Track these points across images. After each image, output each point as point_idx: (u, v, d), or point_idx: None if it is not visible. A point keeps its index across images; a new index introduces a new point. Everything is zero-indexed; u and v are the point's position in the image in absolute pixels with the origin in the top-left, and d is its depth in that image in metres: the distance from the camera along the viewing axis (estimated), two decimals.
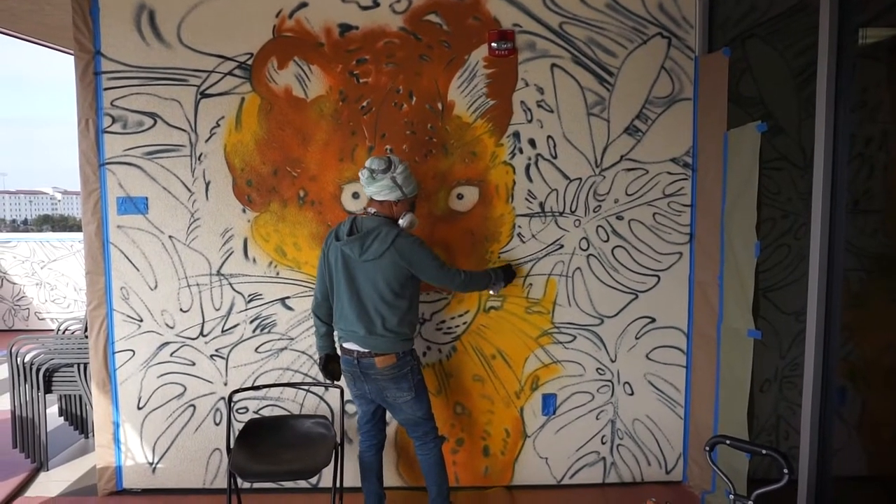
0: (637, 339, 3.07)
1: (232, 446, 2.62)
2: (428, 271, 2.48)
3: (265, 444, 2.65)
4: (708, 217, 2.87)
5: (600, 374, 3.08)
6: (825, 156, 2.20)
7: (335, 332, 2.62)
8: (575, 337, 3.05)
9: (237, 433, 2.70)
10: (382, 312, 2.44)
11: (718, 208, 2.76)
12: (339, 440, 2.68)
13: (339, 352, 2.61)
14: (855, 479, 2.45)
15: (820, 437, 2.30)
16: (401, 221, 2.51)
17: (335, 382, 2.70)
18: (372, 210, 2.52)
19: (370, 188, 2.47)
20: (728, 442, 1.83)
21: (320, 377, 3.00)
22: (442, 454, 2.64)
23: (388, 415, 2.79)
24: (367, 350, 2.46)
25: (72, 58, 2.93)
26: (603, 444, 3.12)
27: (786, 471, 1.65)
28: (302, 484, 3.04)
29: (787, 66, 2.74)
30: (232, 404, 2.81)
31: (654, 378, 3.09)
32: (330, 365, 2.65)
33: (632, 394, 3.09)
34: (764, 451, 1.73)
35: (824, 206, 2.22)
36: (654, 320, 3.06)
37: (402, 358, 2.49)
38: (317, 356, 2.98)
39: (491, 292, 2.91)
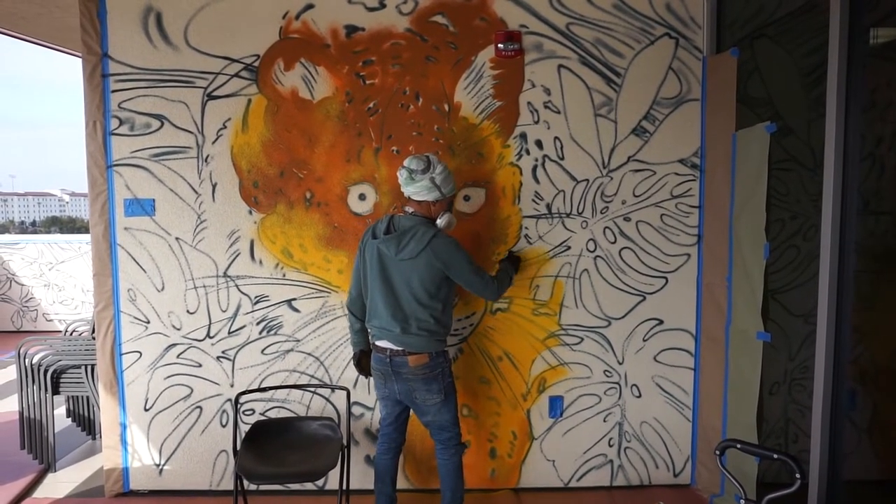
0: (644, 341, 3.05)
1: (238, 448, 2.62)
2: (462, 274, 2.47)
3: (272, 446, 2.65)
4: (716, 218, 2.86)
5: (607, 376, 3.06)
6: (836, 157, 2.18)
7: (368, 330, 2.62)
8: (582, 339, 3.04)
9: (244, 435, 2.70)
10: (416, 312, 2.44)
11: (727, 210, 2.75)
12: (345, 442, 2.68)
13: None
14: (866, 483, 2.43)
15: (831, 441, 2.27)
16: (439, 221, 2.50)
17: (348, 384, 2.70)
18: (409, 209, 2.51)
19: (408, 188, 2.46)
20: (739, 446, 1.81)
21: (326, 379, 3.00)
22: (461, 461, 2.62)
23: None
24: (400, 348, 2.46)
25: (80, 60, 2.94)
26: (610, 446, 3.10)
27: (798, 476, 1.63)
28: (308, 486, 3.03)
29: (795, 67, 2.72)
30: (238, 406, 2.81)
31: (662, 380, 3.07)
32: (363, 361, 2.66)
33: (639, 396, 3.07)
34: (775, 456, 1.71)
35: (835, 208, 2.20)
36: (661, 322, 3.04)
37: (435, 358, 2.48)
38: (322, 358, 2.99)
39: None
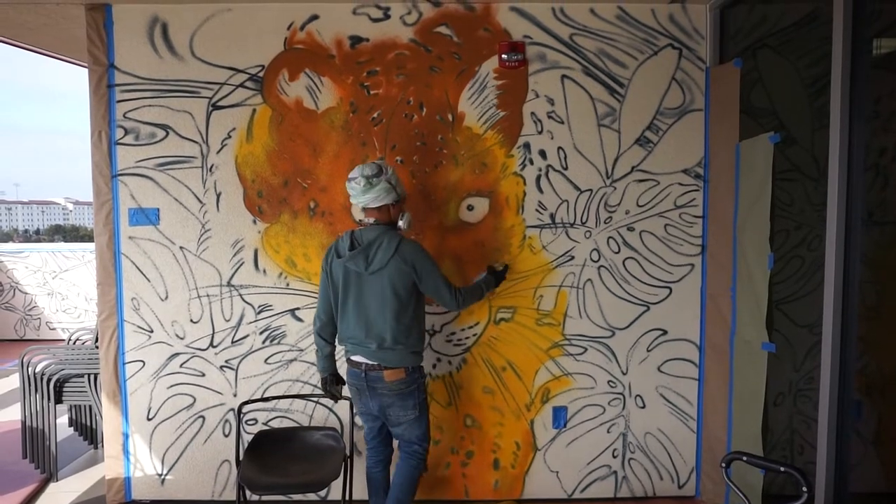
0: (649, 351, 3.04)
1: (241, 458, 2.61)
2: (429, 279, 2.44)
3: (274, 457, 2.64)
4: (720, 228, 2.85)
5: (611, 386, 3.05)
6: (839, 167, 2.18)
7: (342, 347, 2.56)
8: (586, 349, 3.03)
9: (246, 445, 2.69)
10: (391, 324, 2.40)
11: (731, 220, 2.74)
12: (348, 452, 2.66)
13: (345, 365, 2.57)
14: (874, 496, 2.41)
15: (837, 452, 2.26)
16: (400, 222, 2.48)
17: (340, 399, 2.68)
18: (370, 220, 2.47)
19: (367, 196, 2.40)
20: (745, 458, 1.80)
21: None
22: (419, 477, 2.57)
23: None
24: (374, 363, 2.43)
25: (85, 70, 2.96)
26: (614, 457, 3.08)
27: (804, 488, 1.62)
28: (311, 496, 3.02)
29: (799, 77, 2.73)
30: (241, 416, 2.80)
31: (667, 391, 3.06)
32: (332, 385, 2.60)
33: (643, 407, 3.06)
34: (782, 469, 1.70)
35: (839, 218, 2.19)
36: (665, 332, 3.03)
37: (411, 374, 2.46)
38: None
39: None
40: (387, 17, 2.90)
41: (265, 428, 2.98)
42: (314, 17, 2.90)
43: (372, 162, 2.48)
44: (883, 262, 2.30)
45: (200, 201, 2.96)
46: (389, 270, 2.38)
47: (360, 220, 2.53)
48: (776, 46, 2.78)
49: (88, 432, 3.74)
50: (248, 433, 2.95)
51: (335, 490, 2.91)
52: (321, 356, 2.61)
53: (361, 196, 2.42)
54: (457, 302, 2.52)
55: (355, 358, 2.47)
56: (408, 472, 2.55)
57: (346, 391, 2.67)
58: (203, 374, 3.01)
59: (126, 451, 3.04)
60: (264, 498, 2.99)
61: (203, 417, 3.03)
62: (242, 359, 3.01)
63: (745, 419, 2.66)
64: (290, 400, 3.01)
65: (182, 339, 3.00)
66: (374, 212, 2.46)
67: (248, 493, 2.61)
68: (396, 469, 2.57)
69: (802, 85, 2.71)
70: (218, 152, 2.94)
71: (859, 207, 2.18)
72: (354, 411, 2.85)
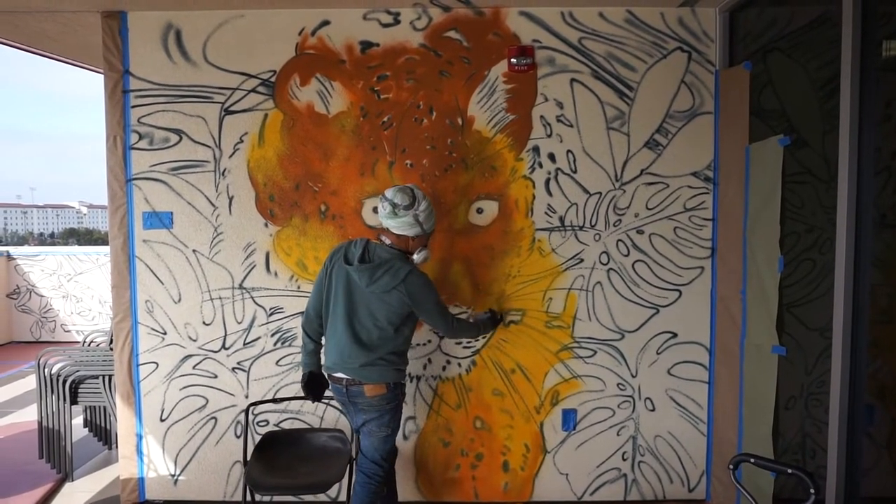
0: (658, 354, 3.04)
1: (249, 459, 2.63)
2: (428, 314, 2.45)
3: (281, 458, 2.66)
4: (730, 231, 2.85)
5: (621, 389, 3.05)
6: (850, 169, 2.17)
7: (323, 362, 2.54)
8: (595, 352, 3.03)
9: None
10: (376, 343, 2.39)
11: (740, 222, 2.74)
12: (353, 455, 2.68)
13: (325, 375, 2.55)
14: (884, 501, 2.39)
15: (848, 456, 2.24)
16: (415, 256, 2.47)
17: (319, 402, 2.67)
18: (387, 241, 2.46)
19: (389, 222, 2.40)
20: (752, 460, 1.79)
21: None
22: (378, 502, 2.53)
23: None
24: (354, 377, 2.40)
25: (100, 76, 3.01)
26: (624, 460, 3.08)
27: (812, 491, 1.62)
28: (322, 497, 3.04)
29: (809, 79, 2.72)
30: (250, 416, 2.82)
31: (676, 394, 3.05)
32: (312, 383, 2.55)
33: (653, 410, 3.05)
34: (789, 471, 1.70)
35: (849, 221, 2.18)
36: (675, 335, 3.03)
37: (393, 390, 2.43)
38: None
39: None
40: (397, 22, 2.93)
41: (274, 429, 3.00)
42: (325, 23, 2.93)
43: (410, 190, 2.42)
44: (894, 264, 2.28)
45: (213, 205, 3.00)
46: (390, 297, 2.37)
47: (378, 235, 2.51)
48: (786, 49, 2.77)
49: (103, 433, 3.78)
50: (260, 434, 2.98)
51: (345, 491, 2.93)
52: (304, 352, 2.58)
53: (385, 219, 2.42)
54: (453, 331, 2.57)
55: (337, 374, 2.45)
56: (367, 497, 2.47)
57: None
58: (215, 376, 3.05)
59: (140, 452, 3.07)
60: (275, 498, 3.01)
61: (215, 419, 3.06)
62: (254, 361, 3.04)
63: (755, 422, 2.65)
64: (301, 401, 3.03)
65: (195, 341, 3.04)
66: (392, 236, 2.45)
67: (256, 494, 2.64)
68: (353, 494, 2.50)
69: (812, 87, 2.70)
70: (230, 157, 2.98)
71: (870, 210, 2.17)
72: None
